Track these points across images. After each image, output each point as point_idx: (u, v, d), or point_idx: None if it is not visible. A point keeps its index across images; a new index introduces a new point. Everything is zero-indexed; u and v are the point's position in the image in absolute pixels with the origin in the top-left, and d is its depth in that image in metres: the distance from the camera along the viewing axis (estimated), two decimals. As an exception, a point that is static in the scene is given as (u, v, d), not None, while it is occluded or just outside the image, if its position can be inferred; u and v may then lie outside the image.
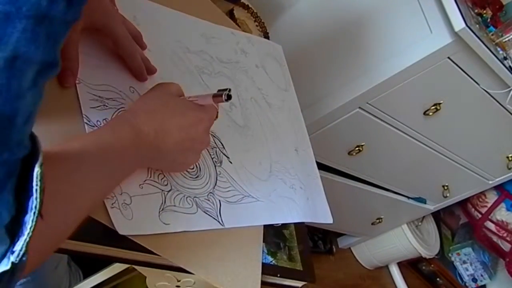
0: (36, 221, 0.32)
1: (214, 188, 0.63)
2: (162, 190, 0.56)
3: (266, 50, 0.93)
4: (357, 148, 1.35)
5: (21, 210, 0.32)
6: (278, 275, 0.68)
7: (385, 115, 1.24)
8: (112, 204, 0.50)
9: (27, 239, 0.32)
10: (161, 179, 0.57)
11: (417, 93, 1.19)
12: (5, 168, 0.31)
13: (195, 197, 0.60)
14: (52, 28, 0.32)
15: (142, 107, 0.54)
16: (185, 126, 0.55)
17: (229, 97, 0.58)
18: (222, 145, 0.69)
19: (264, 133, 0.78)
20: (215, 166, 0.66)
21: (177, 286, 0.63)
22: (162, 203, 0.55)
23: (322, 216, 0.79)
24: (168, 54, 0.71)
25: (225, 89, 0.58)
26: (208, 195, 0.61)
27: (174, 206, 0.56)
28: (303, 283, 0.74)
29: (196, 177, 0.62)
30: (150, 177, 0.56)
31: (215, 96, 0.59)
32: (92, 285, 0.80)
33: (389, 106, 1.22)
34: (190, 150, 0.57)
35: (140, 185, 0.54)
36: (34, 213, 0.32)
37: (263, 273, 0.64)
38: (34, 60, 0.31)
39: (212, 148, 0.67)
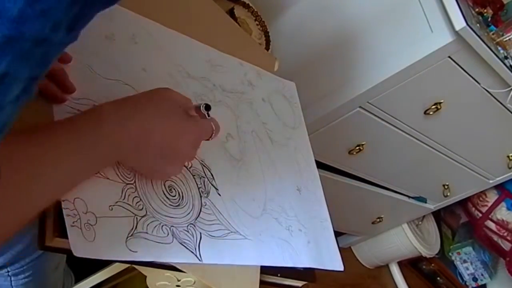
0: None
1: (196, 219, 0.59)
2: (135, 215, 0.52)
3: (275, 87, 0.89)
4: (357, 147, 1.35)
5: None
6: (278, 275, 0.68)
7: (386, 114, 1.24)
8: (73, 222, 0.47)
9: None
10: (136, 203, 0.53)
11: (418, 92, 1.19)
12: None
13: (172, 226, 0.55)
14: (48, 49, 0.32)
15: (129, 100, 0.52)
16: (171, 133, 0.52)
17: (207, 108, 0.56)
18: (212, 175, 0.65)
19: (261, 169, 0.74)
20: (200, 197, 0.61)
21: (177, 285, 0.63)
22: (132, 228, 0.51)
23: (330, 262, 0.74)
24: (163, 76, 0.68)
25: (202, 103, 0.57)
26: (188, 226, 0.57)
27: (146, 233, 0.52)
28: (304, 282, 0.74)
29: (177, 205, 0.58)
30: (124, 199, 0.52)
31: (196, 107, 0.57)
32: (93, 284, 0.80)
33: (390, 105, 1.22)
34: (170, 160, 0.54)
35: (110, 206, 0.51)
36: None
37: (263, 272, 0.64)
38: (23, 77, 0.31)
39: (200, 178, 0.63)
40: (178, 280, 0.62)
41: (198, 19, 0.81)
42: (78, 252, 0.46)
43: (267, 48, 1.18)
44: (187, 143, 0.55)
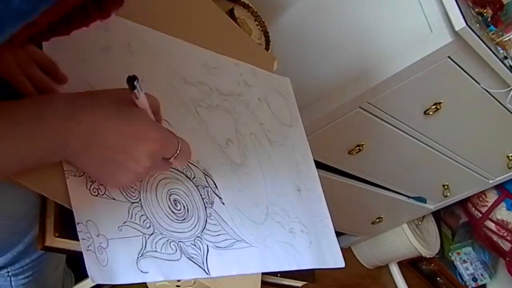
0: None
1: (202, 232, 0.59)
2: (144, 234, 0.52)
3: (271, 84, 0.89)
4: (357, 148, 1.35)
5: None
6: (278, 275, 0.69)
7: (386, 114, 1.24)
8: (88, 246, 0.47)
9: None
10: (143, 221, 0.53)
11: (418, 93, 1.19)
12: None
13: (179, 241, 0.55)
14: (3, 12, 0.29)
15: (86, 94, 0.47)
16: (127, 135, 0.47)
17: (131, 80, 0.47)
18: (215, 184, 0.64)
19: (262, 172, 0.74)
20: (205, 208, 0.61)
21: (177, 286, 0.63)
22: (142, 248, 0.51)
23: (332, 260, 0.74)
24: (162, 85, 0.67)
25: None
26: (195, 239, 0.57)
27: (155, 251, 0.52)
28: (303, 283, 0.74)
29: (182, 220, 0.58)
30: (131, 218, 0.52)
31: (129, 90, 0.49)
32: (93, 284, 0.80)
33: (390, 105, 1.22)
34: (122, 166, 0.49)
35: (119, 227, 0.51)
36: None
37: (263, 273, 0.64)
38: None
39: (204, 188, 0.63)
40: (178, 280, 0.62)
41: (197, 19, 0.81)
42: (95, 279, 0.46)
43: (267, 48, 1.18)
44: (144, 151, 0.49)
